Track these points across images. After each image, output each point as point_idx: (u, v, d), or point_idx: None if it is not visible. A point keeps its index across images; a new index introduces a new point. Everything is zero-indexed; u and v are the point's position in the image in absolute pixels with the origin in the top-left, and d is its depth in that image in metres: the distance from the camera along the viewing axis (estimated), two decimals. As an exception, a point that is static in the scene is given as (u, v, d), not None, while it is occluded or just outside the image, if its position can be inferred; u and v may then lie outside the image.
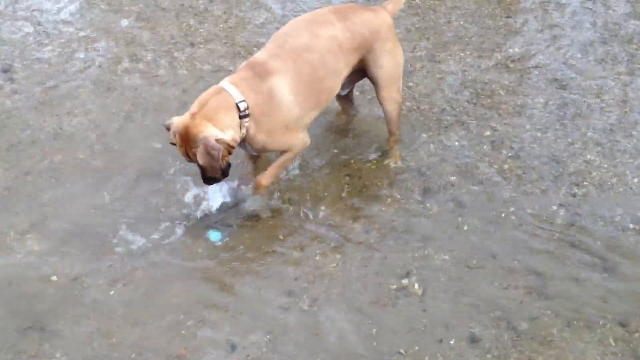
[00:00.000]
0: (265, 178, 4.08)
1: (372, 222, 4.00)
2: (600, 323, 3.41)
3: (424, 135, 4.57)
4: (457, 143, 4.51)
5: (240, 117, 3.69)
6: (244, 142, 3.83)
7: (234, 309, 3.54)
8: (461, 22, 5.57)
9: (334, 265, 3.77)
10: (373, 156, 4.42)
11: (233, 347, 3.36)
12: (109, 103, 4.92)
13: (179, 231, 3.97)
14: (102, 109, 4.87)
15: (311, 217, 4.04)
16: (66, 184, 4.29)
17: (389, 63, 4.15)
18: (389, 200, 4.14)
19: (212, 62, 5.25)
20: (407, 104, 4.77)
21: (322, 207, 4.09)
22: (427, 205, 4.10)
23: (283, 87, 3.80)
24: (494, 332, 3.40)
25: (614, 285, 3.58)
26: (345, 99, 4.62)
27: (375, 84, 4.21)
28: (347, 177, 4.29)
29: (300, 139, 4.01)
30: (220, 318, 3.49)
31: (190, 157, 3.66)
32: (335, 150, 4.48)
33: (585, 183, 4.17)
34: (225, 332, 3.42)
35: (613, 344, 3.32)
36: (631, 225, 3.90)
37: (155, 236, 3.94)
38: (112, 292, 3.65)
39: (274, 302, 3.58)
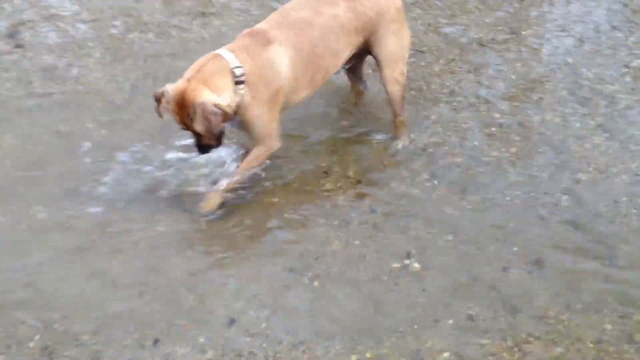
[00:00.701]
0: (225, 185, 3.91)
1: (376, 202, 4.01)
2: (598, 307, 3.42)
3: (433, 116, 4.57)
4: (464, 125, 4.51)
5: (236, 83, 3.63)
6: (235, 114, 3.72)
7: (234, 284, 3.57)
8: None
9: (337, 243, 3.79)
10: (381, 136, 4.42)
11: (232, 321, 3.39)
12: (117, 73, 4.95)
13: (178, 201, 3.99)
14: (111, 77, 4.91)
15: (316, 194, 4.06)
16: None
17: (394, 45, 4.14)
18: (394, 180, 4.15)
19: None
20: (418, 83, 4.77)
21: (327, 185, 4.11)
22: (432, 186, 4.11)
23: (282, 57, 3.78)
24: (491, 313, 3.41)
25: (614, 270, 3.59)
26: (354, 74, 4.60)
27: (379, 64, 4.21)
28: (354, 155, 4.30)
29: (276, 135, 3.93)
30: (220, 292, 3.52)
31: (186, 124, 3.60)
32: (344, 126, 4.50)
33: (590, 169, 4.17)
34: (225, 306, 3.46)
35: (610, 328, 3.33)
36: (634, 211, 3.90)
37: (153, 207, 3.96)
38: (114, 262, 3.69)
39: (276, 278, 3.60)
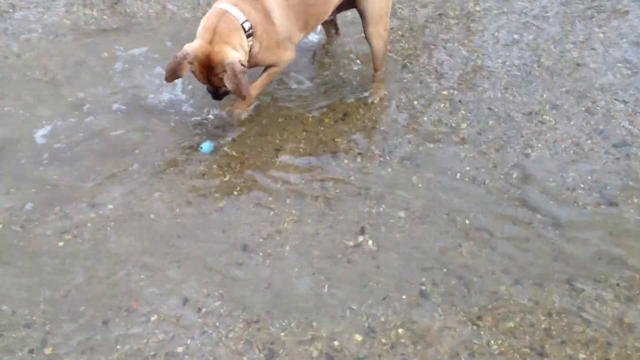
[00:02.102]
0: (254, 89, 4.21)
1: (328, 179, 4.00)
2: (548, 281, 3.48)
3: (385, 92, 4.57)
4: (415, 102, 4.52)
5: (247, 37, 3.86)
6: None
7: (186, 263, 3.51)
8: None
9: (290, 219, 3.77)
10: (332, 115, 4.41)
11: (185, 301, 3.34)
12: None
13: (141, 177, 3.94)
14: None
15: (268, 171, 4.02)
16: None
17: (380, 0, 4.27)
18: (347, 156, 4.14)
19: None
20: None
21: (279, 162, 4.08)
22: (384, 162, 4.11)
23: (276, 8, 3.96)
24: (444, 288, 3.44)
25: (563, 244, 3.65)
26: (329, 23, 4.82)
27: (364, 18, 4.33)
28: (304, 133, 4.27)
29: (288, 54, 4.19)
30: (171, 272, 3.46)
31: (212, 82, 3.86)
32: (298, 103, 4.48)
33: (539, 145, 4.23)
34: (177, 285, 3.40)
35: (559, 301, 3.39)
36: (581, 186, 3.98)
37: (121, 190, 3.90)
38: (61, 243, 3.59)
39: (228, 256, 3.56)
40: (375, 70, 4.59)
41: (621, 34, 5.11)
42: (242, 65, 3.82)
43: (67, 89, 4.50)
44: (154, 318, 3.26)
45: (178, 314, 3.28)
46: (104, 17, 5.17)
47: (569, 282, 3.48)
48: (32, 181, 3.88)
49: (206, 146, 4.10)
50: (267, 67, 4.22)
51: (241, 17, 3.85)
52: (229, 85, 3.79)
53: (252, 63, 4.05)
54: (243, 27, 3.85)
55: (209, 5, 5.01)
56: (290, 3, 4.01)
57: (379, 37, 4.40)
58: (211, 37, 3.79)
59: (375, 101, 4.51)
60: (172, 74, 3.83)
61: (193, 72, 3.86)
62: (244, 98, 3.94)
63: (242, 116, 4.30)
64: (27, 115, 4.29)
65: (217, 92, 4.00)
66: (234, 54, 3.79)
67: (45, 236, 3.60)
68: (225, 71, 3.77)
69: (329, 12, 4.27)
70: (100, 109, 4.37)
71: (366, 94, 4.57)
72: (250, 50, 3.93)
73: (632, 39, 5.05)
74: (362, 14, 4.32)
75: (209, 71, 3.82)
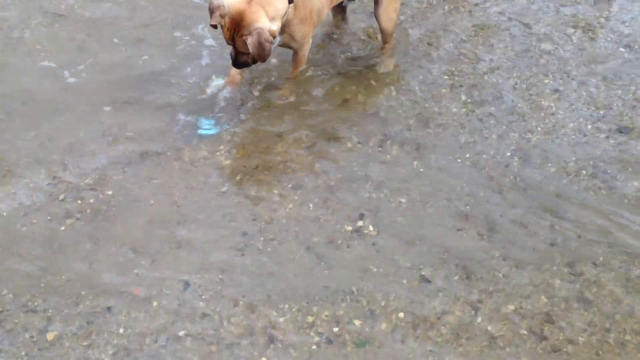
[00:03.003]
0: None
1: (329, 164, 4.00)
2: (548, 266, 3.49)
3: (384, 79, 4.57)
4: (416, 88, 4.52)
5: (289, 2, 3.87)
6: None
7: (186, 248, 3.52)
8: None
9: (291, 205, 3.77)
10: (332, 101, 4.41)
11: (186, 285, 3.36)
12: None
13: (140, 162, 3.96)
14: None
15: (269, 157, 4.02)
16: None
17: None
18: (348, 142, 4.14)
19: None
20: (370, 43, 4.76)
21: (280, 148, 4.08)
22: (385, 148, 4.11)
23: None
24: (444, 273, 3.45)
25: (563, 229, 3.66)
26: (340, 8, 4.82)
27: (377, 3, 4.44)
28: (305, 119, 4.27)
29: (310, 36, 4.22)
30: (172, 257, 3.48)
31: (235, 41, 3.80)
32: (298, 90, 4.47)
33: (539, 129, 4.22)
34: (178, 270, 3.41)
35: (559, 286, 3.40)
36: (583, 172, 3.98)
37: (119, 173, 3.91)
38: (62, 228, 3.60)
39: (229, 241, 3.57)
40: (385, 42, 4.71)
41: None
42: (272, 35, 3.78)
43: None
44: (155, 303, 3.27)
45: (179, 299, 3.30)
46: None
47: (568, 266, 3.49)
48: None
49: (205, 126, 4.10)
50: (293, 55, 4.30)
51: None
52: (252, 48, 3.73)
53: (285, 35, 4.05)
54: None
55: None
56: None
57: (389, 18, 4.51)
58: (252, 3, 3.74)
59: (385, 71, 4.61)
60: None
61: (222, 26, 3.79)
62: (263, 61, 3.89)
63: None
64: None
65: (238, 59, 3.94)
66: (266, 21, 3.74)
67: (46, 221, 3.61)
68: (251, 34, 3.71)
69: None
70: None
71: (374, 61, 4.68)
72: (287, 18, 3.92)
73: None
74: None
75: (236, 30, 3.76)
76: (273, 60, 4.56)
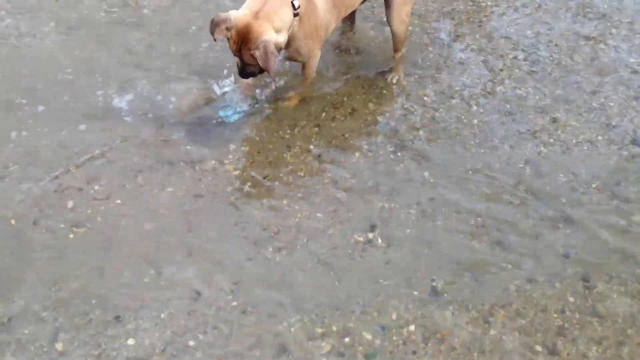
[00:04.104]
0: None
1: (339, 174, 3.98)
2: (561, 278, 3.47)
3: (395, 89, 4.56)
4: (426, 98, 4.50)
5: (294, 15, 3.86)
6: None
7: (197, 257, 3.51)
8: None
9: (301, 215, 3.76)
10: (342, 111, 4.39)
11: (196, 295, 3.34)
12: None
13: (150, 171, 3.94)
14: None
15: (279, 166, 4.01)
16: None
17: None
18: (358, 152, 4.13)
19: None
20: (382, 54, 4.74)
21: (290, 158, 4.07)
22: (395, 158, 4.09)
23: None
24: (455, 285, 3.43)
25: (575, 241, 3.64)
26: (349, 15, 4.80)
27: (389, 4, 4.42)
28: (316, 128, 4.26)
29: (318, 50, 4.22)
30: (183, 266, 3.46)
31: (241, 53, 3.82)
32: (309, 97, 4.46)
33: (551, 140, 4.20)
34: (189, 280, 3.40)
35: (572, 300, 3.38)
36: (593, 184, 3.95)
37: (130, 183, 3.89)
38: (71, 236, 3.59)
39: (239, 251, 3.56)
40: (396, 51, 4.68)
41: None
42: (279, 47, 3.82)
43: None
44: (165, 312, 3.25)
45: (189, 308, 3.28)
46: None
47: (581, 279, 3.47)
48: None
49: (228, 113, 4.24)
50: (302, 68, 4.31)
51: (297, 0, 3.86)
52: (260, 61, 3.75)
53: (291, 49, 4.07)
54: (293, 4, 3.84)
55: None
56: None
57: (401, 22, 4.49)
58: (259, 9, 3.76)
59: (394, 81, 4.60)
60: (211, 32, 3.80)
61: (228, 39, 3.82)
62: (270, 72, 3.85)
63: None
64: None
65: (244, 69, 3.96)
66: (272, 34, 3.76)
67: (57, 230, 3.60)
68: (258, 48, 3.72)
69: (358, 4, 4.36)
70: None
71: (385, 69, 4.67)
72: (292, 31, 3.93)
73: None
74: (387, 0, 4.40)
75: (243, 43, 3.77)
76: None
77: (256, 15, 3.75)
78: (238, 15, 3.76)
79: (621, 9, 5.31)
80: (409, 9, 4.49)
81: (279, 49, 3.84)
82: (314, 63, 4.29)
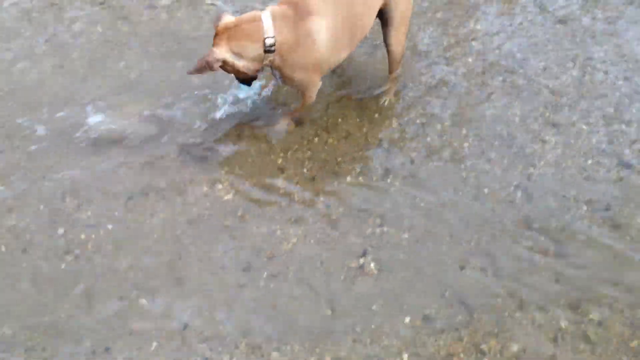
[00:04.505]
0: (290, 114, 4.40)
1: (331, 199, 3.98)
2: (553, 306, 3.46)
3: (387, 112, 4.56)
4: (418, 121, 4.50)
5: (265, 52, 3.86)
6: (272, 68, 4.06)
7: (187, 285, 3.50)
8: None
9: (294, 241, 3.75)
10: (335, 135, 4.40)
11: (186, 324, 3.32)
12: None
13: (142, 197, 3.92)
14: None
15: (271, 191, 4.00)
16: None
17: (405, 5, 4.33)
18: (350, 175, 4.12)
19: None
20: (372, 80, 4.75)
21: (282, 182, 4.06)
22: (386, 182, 4.09)
23: (322, 28, 3.94)
24: (447, 312, 3.43)
25: (566, 268, 3.64)
26: None
27: (389, 24, 4.35)
28: (309, 152, 4.25)
29: (315, 81, 4.17)
30: (173, 294, 3.45)
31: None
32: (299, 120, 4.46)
33: (542, 164, 4.21)
34: (179, 308, 3.39)
35: (564, 327, 3.38)
36: (584, 207, 3.96)
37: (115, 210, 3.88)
38: (62, 265, 3.57)
39: (230, 277, 3.55)
40: (391, 72, 4.66)
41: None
42: (223, 62, 3.84)
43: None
44: (155, 342, 3.24)
45: (180, 337, 3.26)
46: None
47: (573, 305, 3.46)
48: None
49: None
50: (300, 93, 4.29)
51: (269, 32, 3.83)
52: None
53: (282, 77, 4.11)
54: (264, 42, 3.84)
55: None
56: (337, 22, 3.98)
57: (399, 42, 4.47)
58: (232, 27, 3.83)
59: (386, 104, 4.58)
60: None
61: None
62: (246, 80, 4.08)
63: (282, 133, 4.38)
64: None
65: (236, 77, 4.09)
66: (223, 51, 3.83)
67: (46, 257, 3.58)
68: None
69: (372, 23, 4.26)
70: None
71: (378, 92, 4.64)
72: (273, 63, 3.97)
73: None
74: (387, 20, 4.35)
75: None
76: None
77: (226, 28, 3.83)
78: (225, 20, 3.87)
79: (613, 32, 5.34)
80: (406, 30, 4.49)
81: (234, 68, 3.91)
82: (313, 92, 4.27)
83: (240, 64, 3.89)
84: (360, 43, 4.33)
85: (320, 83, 4.23)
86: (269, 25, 3.83)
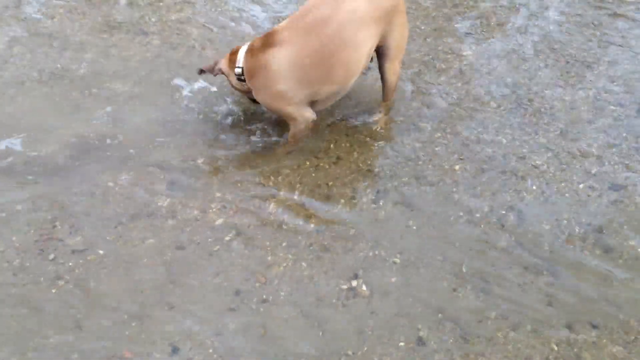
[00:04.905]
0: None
1: (322, 223, 3.97)
2: (545, 327, 3.45)
3: (379, 137, 4.58)
4: (409, 146, 4.52)
5: (237, 79, 4.23)
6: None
7: (177, 310, 3.47)
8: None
9: (285, 264, 3.73)
10: (326, 159, 4.41)
11: (176, 349, 3.29)
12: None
13: (132, 222, 3.90)
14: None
15: (262, 215, 3.99)
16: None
17: (401, 35, 4.36)
18: (342, 199, 4.12)
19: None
20: (367, 104, 4.78)
21: (272, 206, 4.05)
22: (378, 206, 4.09)
23: (281, 60, 4.02)
24: (440, 334, 3.41)
25: (559, 289, 3.63)
26: None
27: (384, 55, 4.39)
28: (298, 177, 4.26)
29: (301, 114, 4.23)
30: (163, 319, 3.42)
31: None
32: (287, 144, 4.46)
33: (533, 187, 4.22)
34: (168, 333, 3.35)
35: (556, 348, 3.36)
36: (577, 229, 3.96)
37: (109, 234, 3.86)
38: (53, 290, 3.54)
39: (221, 301, 3.52)
40: (385, 100, 4.69)
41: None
42: (221, 70, 4.30)
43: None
44: (145, 367, 3.21)
45: (170, 362, 3.23)
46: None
47: (566, 327, 3.45)
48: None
49: None
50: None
51: (239, 62, 4.18)
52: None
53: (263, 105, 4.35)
54: (236, 71, 4.20)
55: (204, 49, 5.09)
56: (305, 54, 4.01)
57: (394, 72, 4.51)
58: (230, 55, 4.29)
59: (379, 129, 4.60)
60: None
61: None
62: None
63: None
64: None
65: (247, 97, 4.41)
66: (223, 65, 4.30)
67: (35, 283, 3.55)
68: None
69: (362, 60, 4.17)
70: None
71: (371, 119, 4.67)
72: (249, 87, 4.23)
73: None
74: (383, 51, 4.38)
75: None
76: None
77: (232, 52, 4.28)
78: (235, 47, 4.30)
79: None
80: (401, 59, 4.52)
81: (221, 71, 4.32)
82: (297, 126, 4.29)
83: (233, 81, 4.28)
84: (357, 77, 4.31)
85: (308, 116, 4.26)
86: (240, 56, 4.17)
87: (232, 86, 4.35)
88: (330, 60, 4.05)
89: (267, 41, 4.06)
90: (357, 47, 4.09)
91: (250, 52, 4.13)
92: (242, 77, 4.18)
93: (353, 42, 4.06)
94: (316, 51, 4.01)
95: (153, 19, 5.49)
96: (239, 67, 4.16)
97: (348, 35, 4.03)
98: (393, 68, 4.48)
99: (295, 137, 4.36)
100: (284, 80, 4.06)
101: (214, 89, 4.82)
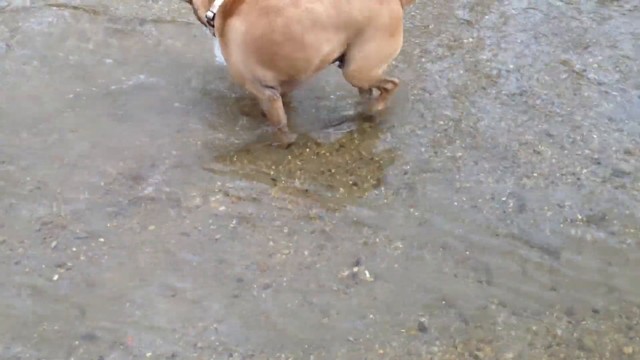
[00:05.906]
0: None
1: (324, 209, 3.98)
2: (547, 313, 3.45)
3: (380, 124, 4.57)
4: (410, 132, 4.51)
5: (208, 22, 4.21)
6: None
7: (180, 296, 3.48)
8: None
9: (287, 252, 3.74)
10: (328, 147, 4.40)
11: (180, 336, 3.30)
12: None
13: (133, 210, 3.91)
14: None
15: (264, 203, 4.00)
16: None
17: (371, 52, 4.14)
18: (343, 187, 4.12)
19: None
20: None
21: (274, 193, 4.06)
22: (381, 193, 4.09)
23: (234, 30, 4.00)
24: (441, 320, 3.41)
25: (560, 275, 3.63)
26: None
27: (346, 64, 4.20)
28: (300, 163, 4.26)
29: (260, 91, 4.19)
30: (166, 306, 3.43)
31: None
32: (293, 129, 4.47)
33: (534, 174, 4.22)
34: (172, 319, 3.37)
35: (559, 333, 3.37)
36: (578, 216, 3.96)
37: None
38: (55, 277, 3.56)
39: (224, 288, 3.53)
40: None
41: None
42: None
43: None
44: (149, 354, 3.21)
45: (173, 349, 3.24)
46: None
47: (568, 313, 3.45)
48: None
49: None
50: None
51: (214, 8, 4.11)
52: None
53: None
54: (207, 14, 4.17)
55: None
56: (254, 35, 3.97)
57: (358, 80, 4.32)
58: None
59: (371, 113, 4.55)
60: None
61: None
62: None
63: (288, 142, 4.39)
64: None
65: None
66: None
67: (38, 269, 3.57)
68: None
69: (313, 61, 4.07)
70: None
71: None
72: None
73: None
74: (346, 59, 4.20)
75: None
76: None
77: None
78: None
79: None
80: (378, 70, 4.27)
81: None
82: (262, 104, 4.29)
83: (200, 16, 4.23)
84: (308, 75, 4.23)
85: (269, 94, 4.18)
86: (218, 3, 4.06)
87: (198, 18, 4.32)
88: (273, 48, 3.99)
89: (232, 6, 4.01)
90: (304, 46, 3.99)
91: (223, 9, 4.06)
92: (212, 23, 4.14)
93: (300, 40, 3.96)
94: (262, 35, 3.95)
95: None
96: (212, 11, 4.10)
97: (296, 31, 3.94)
98: (359, 80, 4.30)
99: (268, 115, 4.33)
100: (234, 53, 4.07)
101: (211, 76, 4.81)
